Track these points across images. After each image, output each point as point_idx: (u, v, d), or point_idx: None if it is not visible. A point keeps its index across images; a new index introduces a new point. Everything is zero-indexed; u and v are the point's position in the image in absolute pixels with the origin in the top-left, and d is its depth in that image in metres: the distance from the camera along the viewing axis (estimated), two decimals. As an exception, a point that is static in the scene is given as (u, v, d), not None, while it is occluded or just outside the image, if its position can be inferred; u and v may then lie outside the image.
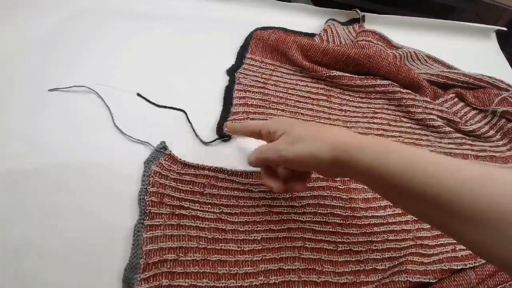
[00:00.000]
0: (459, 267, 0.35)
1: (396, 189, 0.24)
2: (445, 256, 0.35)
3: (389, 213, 0.38)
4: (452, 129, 0.47)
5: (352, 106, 0.47)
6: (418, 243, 0.36)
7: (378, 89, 0.48)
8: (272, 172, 0.32)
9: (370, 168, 0.25)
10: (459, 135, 0.46)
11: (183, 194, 0.34)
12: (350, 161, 0.26)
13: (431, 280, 0.33)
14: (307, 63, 0.48)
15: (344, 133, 0.28)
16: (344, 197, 0.38)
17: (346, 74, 0.48)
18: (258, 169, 0.38)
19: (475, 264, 0.35)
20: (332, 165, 0.27)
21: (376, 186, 0.28)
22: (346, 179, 0.39)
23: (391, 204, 0.38)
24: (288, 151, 0.28)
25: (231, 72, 0.46)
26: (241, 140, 0.41)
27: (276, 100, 0.44)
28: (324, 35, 0.53)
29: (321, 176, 0.38)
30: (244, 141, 0.41)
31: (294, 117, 0.43)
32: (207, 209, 0.34)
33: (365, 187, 0.38)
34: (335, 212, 0.37)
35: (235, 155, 0.39)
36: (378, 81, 0.48)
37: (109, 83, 0.42)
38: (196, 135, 0.40)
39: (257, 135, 0.33)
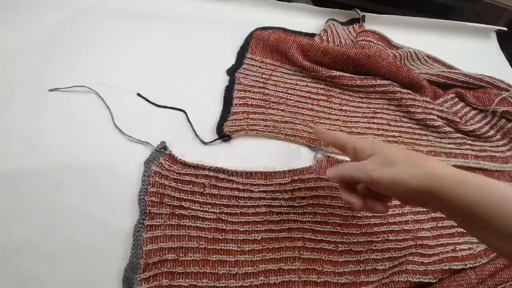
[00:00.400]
0: (459, 267, 0.35)
1: (492, 228, 0.24)
2: (445, 256, 0.35)
3: (389, 213, 0.38)
4: (452, 129, 0.47)
5: (352, 106, 0.47)
6: (418, 243, 0.36)
7: (378, 89, 0.48)
8: (350, 188, 0.31)
9: (469, 204, 0.24)
10: (459, 135, 0.46)
11: (183, 194, 0.34)
12: (445, 194, 0.25)
13: (431, 280, 0.33)
14: (307, 63, 0.48)
15: (440, 164, 0.27)
16: (344, 197, 0.38)
17: (346, 74, 0.47)
18: (258, 169, 0.38)
19: (475, 264, 0.35)
20: (420, 194, 0.26)
21: (466, 220, 0.26)
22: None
23: (391, 204, 0.38)
24: (377, 173, 0.27)
25: (231, 72, 0.46)
26: (241, 140, 0.41)
27: (276, 100, 0.44)
28: (324, 35, 0.53)
29: (321, 176, 0.38)
30: (244, 141, 0.41)
31: (294, 117, 0.43)
32: (207, 209, 0.34)
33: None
34: (335, 212, 0.37)
35: (235, 155, 0.39)
36: (378, 81, 0.48)
37: (109, 83, 0.42)
38: (196, 135, 0.40)
39: (341, 147, 0.32)
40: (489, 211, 0.24)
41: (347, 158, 0.41)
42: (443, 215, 0.38)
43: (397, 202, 0.38)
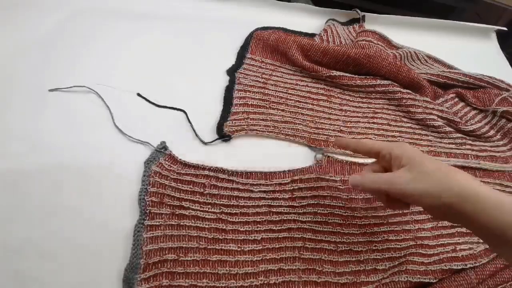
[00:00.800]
0: (459, 267, 0.35)
1: None
2: (446, 256, 0.35)
3: (390, 213, 0.38)
4: (452, 129, 0.47)
5: (352, 106, 0.47)
6: (418, 243, 0.36)
7: (378, 89, 0.48)
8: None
9: (503, 228, 0.24)
10: (459, 135, 0.46)
11: (183, 194, 0.34)
12: (479, 216, 0.25)
13: (431, 280, 0.33)
14: (307, 63, 0.48)
15: (473, 181, 0.26)
16: (344, 197, 0.38)
17: (346, 74, 0.47)
18: (258, 169, 0.38)
19: (476, 264, 0.35)
20: (450, 210, 0.26)
21: (494, 240, 0.26)
22: (346, 179, 0.39)
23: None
24: (408, 187, 0.27)
25: (231, 72, 0.46)
26: (241, 140, 0.41)
27: (276, 100, 0.44)
28: (324, 35, 0.53)
29: (321, 176, 0.38)
30: (244, 141, 0.41)
31: (294, 117, 0.43)
32: (207, 209, 0.34)
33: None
34: (335, 212, 0.37)
35: (235, 155, 0.39)
36: (378, 81, 0.48)
37: (109, 83, 0.42)
38: (196, 135, 0.40)
39: (374, 155, 0.32)
40: None
41: (348, 158, 0.41)
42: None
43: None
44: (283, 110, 0.44)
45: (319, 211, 0.36)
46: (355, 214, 0.37)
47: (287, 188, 0.37)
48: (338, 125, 0.44)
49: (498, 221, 0.24)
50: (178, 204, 0.33)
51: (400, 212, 0.38)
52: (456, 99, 0.50)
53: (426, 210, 0.29)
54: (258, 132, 0.41)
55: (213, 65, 0.47)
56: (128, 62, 0.45)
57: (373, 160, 0.33)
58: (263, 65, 0.48)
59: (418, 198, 0.27)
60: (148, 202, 0.32)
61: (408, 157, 0.28)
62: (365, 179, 0.30)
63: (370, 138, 0.44)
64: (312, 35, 0.54)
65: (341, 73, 0.47)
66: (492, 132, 0.47)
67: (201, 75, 0.46)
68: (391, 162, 0.30)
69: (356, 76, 0.48)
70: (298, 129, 0.42)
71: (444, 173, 0.27)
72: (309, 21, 0.58)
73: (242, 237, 0.33)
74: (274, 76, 0.47)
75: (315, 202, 0.37)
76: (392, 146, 0.30)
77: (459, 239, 0.37)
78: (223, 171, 0.37)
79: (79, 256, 0.31)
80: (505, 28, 0.64)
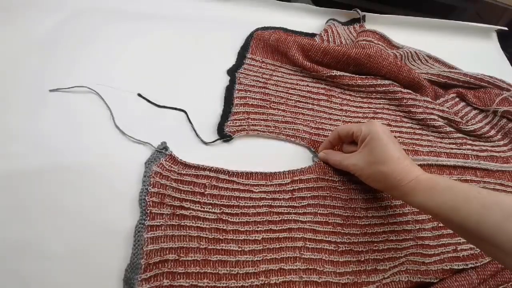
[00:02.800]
0: (460, 267, 0.35)
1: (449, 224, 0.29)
2: (447, 256, 0.35)
3: (390, 213, 0.38)
4: (453, 129, 0.47)
5: (353, 106, 0.47)
6: (419, 243, 0.36)
7: (379, 89, 0.47)
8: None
9: (421, 206, 0.30)
10: (460, 135, 0.46)
11: (184, 195, 0.34)
12: (403, 197, 0.32)
13: (432, 280, 0.33)
14: (307, 63, 0.47)
15: (410, 170, 0.31)
16: (345, 197, 0.38)
17: (347, 74, 0.47)
18: (259, 169, 0.38)
19: (477, 264, 0.35)
20: (390, 190, 0.33)
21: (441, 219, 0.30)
22: (346, 179, 0.39)
23: (392, 204, 0.38)
24: (363, 172, 0.34)
25: (232, 72, 0.46)
26: (242, 140, 0.41)
27: (276, 100, 0.44)
28: (324, 35, 0.53)
29: (321, 177, 0.38)
30: (245, 141, 0.41)
31: (295, 117, 0.43)
32: (208, 209, 0.34)
33: (365, 187, 0.38)
34: (336, 212, 0.37)
35: (236, 155, 0.39)
36: (379, 81, 0.48)
37: (109, 83, 0.42)
38: (197, 135, 0.40)
39: (351, 137, 0.37)
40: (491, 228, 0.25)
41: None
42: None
43: (398, 202, 0.38)
44: (283, 110, 0.44)
45: (319, 211, 0.36)
46: (356, 214, 0.37)
47: (287, 189, 0.37)
48: (338, 125, 0.44)
49: (416, 201, 0.30)
50: (178, 204, 0.33)
51: (401, 212, 0.38)
52: (457, 99, 0.50)
53: (378, 188, 0.35)
54: (259, 132, 0.41)
55: (214, 65, 0.47)
56: (128, 62, 0.45)
57: None
58: (263, 65, 0.48)
59: (371, 180, 0.34)
60: (148, 203, 0.32)
61: (369, 136, 0.33)
62: (328, 157, 0.39)
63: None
64: (313, 35, 0.54)
65: (342, 73, 0.47)
66: (492, 132, 0.47)
67: (202, 75, 0.46)
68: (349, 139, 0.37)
69: (357, 76, 0.48)
70: (298, 129, 0.42)
71: (396, 159, 0.32)
72: (309, 21, 0.58)
73: (243, 237, 0.33)
74: (275, 76, 0.47)
75: (316, 202, 0.37)
76: (361, 126, 0.35)
77: (460, 239, 0.37)
78: (223, 171, 0.37)
79: (79, 256, 0.31)
80: (505, 28, 0.64)
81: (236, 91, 0.44)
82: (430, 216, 0.38)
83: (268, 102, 0.44)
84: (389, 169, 0.31)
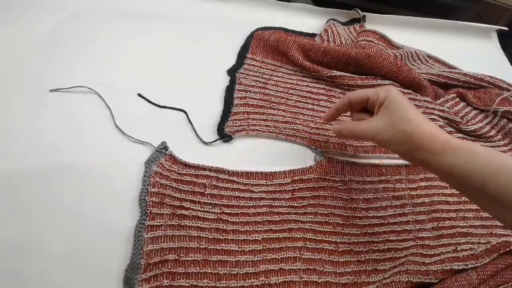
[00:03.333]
0: (460, 267, 0.35)
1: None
2: (447, 256, 0.35)
3: (390, 213, 0.38)
4: (453, 129, 0.47)
5: (353, 106, 0.47)
6: (419, 243, 0.36)
7: (379, 89, 0.47)
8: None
9: (450, 167, 0.28)
10: (460, 135, 0.46)
11: (184, 195, 0.34)
12: (430, 157, 0.29)
13: (432, 281, 0.33)
14: (307, 63, 0.47)
15: (437, 132, 0.29)
16: (345, 197, 0.38)
17: (347, 74, 0.47)
18: (259, 169, 0.38)
19: (477, 264, 0.35)
20: (415, 151, 0.30)
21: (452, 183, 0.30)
22: (346, 179, 0.39)
23: (392, 205, 0.38)
24: (385, 134, 0.31)
25: (232, 72, 0.46)
26: (242, 140, 0.41)
27: (277, 100, 0.44)
28: (324, 35, 0.53)
29: (322, 176, 0.38)
30: (245, 141, 0.41)
31: (295, 117, 0.43)
32: (208, 209, 0.34)
33: (366, 187, 0.38)
34: (336, 212, 0.37)
35: (236, 155, 0.39)
36: (379, 81, 0.47)
37: (109, 83, 0.42)
38: (197, 135, 0.40)
39: (366, 103, 0.34)
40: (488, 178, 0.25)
41: (349, 159, 0.41)
42: (444, 215, 0.39)
43: (398, 203, 0.38)
44: (283, 110, 0.44)
45: (319, 211, 0.36)
46: (356, 214, 0.37)
47: (287, 188, 0.37)
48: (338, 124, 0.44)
49: (445, 163, 0.28)
50: (178, 204, 0.33)
51: (401, 212, 0.38)
52: (457, 99, 0.50)
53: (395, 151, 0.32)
54: (258, 132, 0.41)
55: (214, 65, 0.47)
56: (128, 62, 0.45)
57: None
58: (263, 65, 0.48)
59: (393, 143, 0.31)
60: (148, 203, 0.32)
61: (389, 100, 0.31)
62: (343, 126, 0.35)
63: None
64: (313, 35, 0.54)
65: (342, 73, 0.47)
66: (493, 132, 0.47)
67: (202, 75, 0.46)
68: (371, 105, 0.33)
69: (357, 76, 0.48)
70: (298, 129, 0.42)
71: (415, 121, 0.30)
72: (309, 21, 0.58)
73: (243, 237, 0.33)
74: (275, 76, 0.47)
75: (316, 202, 0.37)
76: (377, 90, 0.33)
77: (460, 239, 0.37)
78: (223, 171, 0.37)
79: (79, 256, 0.31)
80: (506, 28, 0.64)
81: (236, 91, 0.44)
82: (430, 216, 0.38)
83: (268, 102, 0.44)
84: (414, 128, 0.29)
